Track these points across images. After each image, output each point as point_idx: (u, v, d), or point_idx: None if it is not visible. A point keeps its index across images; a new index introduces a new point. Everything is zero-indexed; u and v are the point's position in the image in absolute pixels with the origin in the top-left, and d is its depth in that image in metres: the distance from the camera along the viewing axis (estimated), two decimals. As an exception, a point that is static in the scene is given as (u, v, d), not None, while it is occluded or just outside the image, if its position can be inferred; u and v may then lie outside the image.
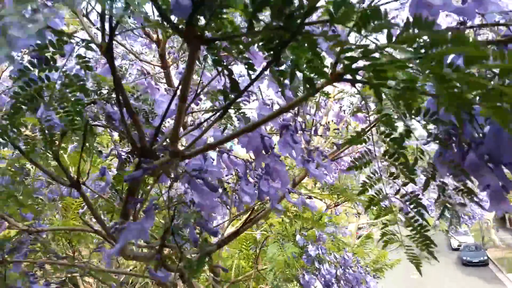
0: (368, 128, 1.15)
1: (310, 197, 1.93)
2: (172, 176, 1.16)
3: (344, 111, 2.71)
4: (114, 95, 1.59)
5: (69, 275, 3.47)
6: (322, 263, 3.85)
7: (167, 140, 1.32)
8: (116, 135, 2.05)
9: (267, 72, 1.32)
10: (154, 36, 3.08)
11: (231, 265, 4.73)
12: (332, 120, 2.70)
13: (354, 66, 0.82)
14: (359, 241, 8.14)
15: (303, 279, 3.87)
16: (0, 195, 2.18)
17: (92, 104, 1.63)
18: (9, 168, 2.16)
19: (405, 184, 1.10)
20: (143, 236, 1.02)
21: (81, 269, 1.88)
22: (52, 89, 1.13)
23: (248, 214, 1.50)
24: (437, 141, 0.93)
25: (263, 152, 1.36)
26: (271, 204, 1.41)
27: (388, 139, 1.09)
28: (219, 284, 1.67)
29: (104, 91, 1.71)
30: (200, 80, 1.17)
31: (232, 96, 1.03)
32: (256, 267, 4.16)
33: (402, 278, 15.03)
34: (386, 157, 1.10)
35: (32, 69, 1.08)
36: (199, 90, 1.21)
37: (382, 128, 1.14)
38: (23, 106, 1.11)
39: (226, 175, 2.01)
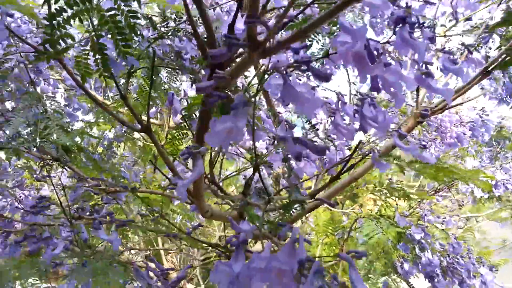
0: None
1: (424, 146, 1.50)
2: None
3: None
4: (182, 26, 1.39)
5: (152, 249, 3.50)
6: (423, 250, 3.29)
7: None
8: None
9: None
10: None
11: (313, 253, 4.37)
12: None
13: None
14: (458, 235, 7.07)
15: (402, 269, 3.36)
16: (81, 161, 2.17)
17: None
18: (87, 133, 2.12)
19: None
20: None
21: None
22: None
23: (348, 158, 1.16)
24: None
25: (368, 61, 1.01)
26: (379, 133, 1.05)
27: None
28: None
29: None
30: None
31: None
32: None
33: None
34: None
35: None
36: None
37: None
38: (68, 9, 0.92)
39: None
